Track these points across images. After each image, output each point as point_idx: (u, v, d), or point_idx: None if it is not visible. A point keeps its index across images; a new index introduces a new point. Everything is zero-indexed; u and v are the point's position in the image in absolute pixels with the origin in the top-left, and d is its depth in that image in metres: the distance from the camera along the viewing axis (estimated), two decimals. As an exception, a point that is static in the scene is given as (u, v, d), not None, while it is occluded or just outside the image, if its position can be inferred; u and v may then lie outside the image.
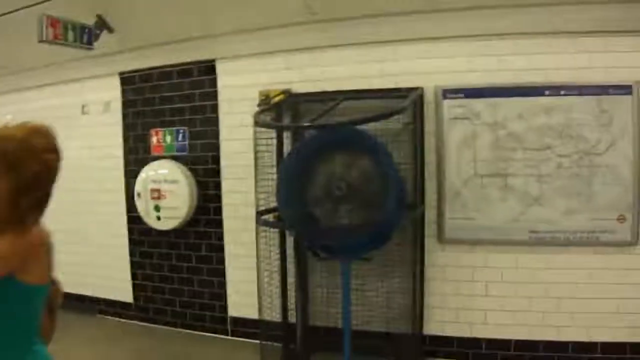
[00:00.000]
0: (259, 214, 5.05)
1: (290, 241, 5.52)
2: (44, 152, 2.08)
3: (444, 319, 5.27)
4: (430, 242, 5.25)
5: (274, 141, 5.27)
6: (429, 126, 5.17)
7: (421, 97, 5.12)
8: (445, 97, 5.11)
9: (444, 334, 5.29)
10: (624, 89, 4.74)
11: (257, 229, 5.16)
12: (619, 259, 4.86)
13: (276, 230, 5.35)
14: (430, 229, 5.24)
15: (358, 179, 4.29)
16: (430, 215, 5.22)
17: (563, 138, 4.85)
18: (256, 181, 5.17)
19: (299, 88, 5.61)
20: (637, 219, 4.80)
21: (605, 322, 4.89)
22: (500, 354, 5.13)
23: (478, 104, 5.02)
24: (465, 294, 5.19)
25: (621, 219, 4.80)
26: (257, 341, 5.51)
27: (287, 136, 5.43)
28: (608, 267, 4.88)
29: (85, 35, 5.96)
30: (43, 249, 2.09)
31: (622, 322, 4.85)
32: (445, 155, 5.14)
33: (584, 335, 4.94)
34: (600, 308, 4.88)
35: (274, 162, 5.21)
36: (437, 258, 5.25)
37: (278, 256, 5.52)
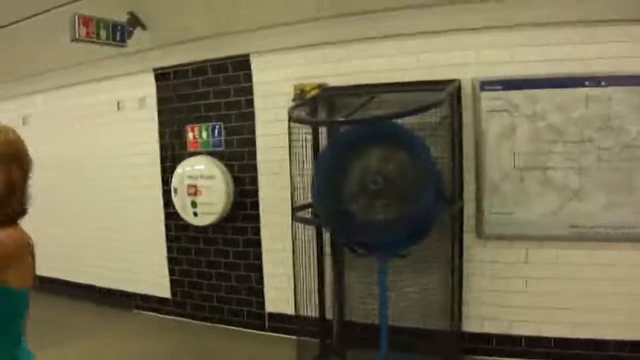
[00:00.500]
0: (295, 210, 5.06)
1: (326, 237, 5.53)
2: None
3: (483, 315, 5.23)
4: (468, 237, 5.21)
5: (310, 136, 5.27)
6: (467, 119, 5.12)
7: (458, 90, 5.06)
8: (483, 89, 5.05)
9: (483, 331, 5.25)
10: (667, 79, 4.63)
11: (293, 224, 5.16)
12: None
13: (312, 225, 5.35)
14: (468, 223, 5.20)
15: (395, 173, 4.30)
16: (468, 209, 5.18)
17: (603, 130, 4.76)
18: (292, 177, 5.17)
19: (334, 82, 5.57)
20: (680, 213, 4.70)
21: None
22: (540, 351, 5.07)
23: (516, 95, 4.96)
24: (504, 290, 5.13)
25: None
26: (294, 337, 5.54)
27: (322, 131, 5.42)
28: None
29: (118, 33, 6.07)
30: (27, 251, 2.12)
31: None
32: (483, 148, 5.09)
33: (625, 333, 4.86)
34: (641, 305, 4.81)
35: (310, 157, 5.20)
36: (476, 254, 5.21)
37: (314, 252, 5.51)
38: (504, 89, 5.00)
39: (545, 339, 5.06)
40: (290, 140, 5.13)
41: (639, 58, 4.71)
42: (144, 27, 6.24)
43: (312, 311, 5.47)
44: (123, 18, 6.13)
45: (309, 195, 4.93)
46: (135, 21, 6.19)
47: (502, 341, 5.20)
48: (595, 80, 4.76)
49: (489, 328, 5.23)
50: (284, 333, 6.05)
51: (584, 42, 4.81)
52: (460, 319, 5.24)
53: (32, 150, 2.19)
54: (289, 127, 5.10)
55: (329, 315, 5.66)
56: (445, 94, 4.65)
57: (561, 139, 4.86)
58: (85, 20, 5.71)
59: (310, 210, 5.11)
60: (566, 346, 5.00)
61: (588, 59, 4.79)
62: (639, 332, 4.83)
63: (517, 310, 5.12)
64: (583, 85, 4.79)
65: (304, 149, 5.20)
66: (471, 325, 5.28)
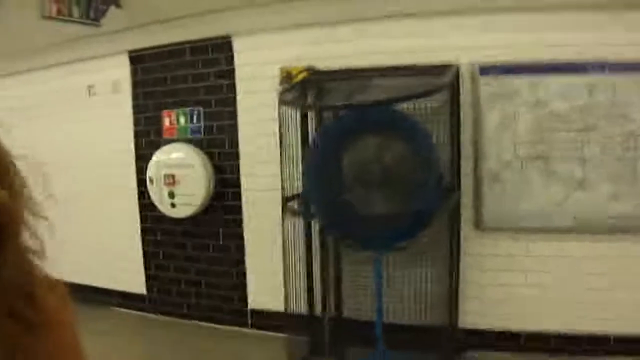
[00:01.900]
0: (286, 200, 4.99)
1: (315, 229, 5.45)
2: None
3: (481, 310, 5.22)
4: (466, 229, 5.18)
5: (297, 122, 5.21)
6: (465, 105, 5.08)
7: (456, 74, 5.01)
8: (482, 74, 5.01)
9: (481, 327, 5.23)
10: (674, 66, 4.63)
11: (283, 216, 5.09)
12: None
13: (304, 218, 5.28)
14: (467, 214, 5.17)
15: (393, 163, 4.25)
16: (466, 200, 5.15)
17: (608, 118, 4.75)
18: (282, 165, 5.10)
19: (324, 65, 5.49)
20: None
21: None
22: (541, 347, 5.07)
23: (517, 81, 4.93)
24: (503, 284, 5.13)
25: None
26: (280, 334, 5.50)
27: (311, 117, 5.33)
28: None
29: (92, 11, 5.86)
30: None
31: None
32: (482, 136, 5.06)
33: (629, 328, 4.85)
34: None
35: (299, 145, 5.16)
36: (474, 246, 5.19)
37: (301, 245, 5.45)
38: (504, 74, 4.96)
39: (546, 334, 5.06)
40: (280, 127, 5.05)
41: (644, 45, 4.71)
42: (118, 5, 6.02)
43: (300, 307, 5.42)
44: (97, -5, 5.94)
45: (296, 185, 4.91)
46: (110, -1, 6.01)
47: (501, 336, 5.19)
48: (599, 67, 4.74)
49: (488, 323, 5.21)
50: (268, 330, 5.97)
51: (587, 27, 4.80)
52: (457, 314, 5.22)
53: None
54: (279, 113, 5.03)
55: (317, 311, 5.59)
56: (449, 78, 4.62)
57: (564, 127, 4.83)
58: (57, -4, 5.55)
59: (297, 202, 5.06)
60: (568, 341, 5.00)
61: (591, 44, 4.78)
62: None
63: (516, 304, 5.12)
64: (587, 72, 4.77)
65: (293, 137, 5.14)
66: (469, 320, 5.25)
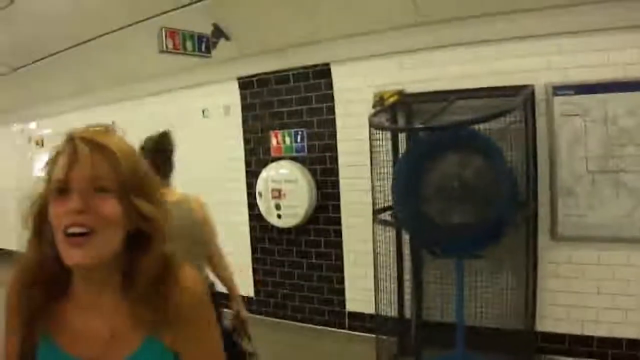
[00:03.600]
0: (376, 212, 5.49)
1: (406, 238, 5.95)
2: None
3: (556, 316, 5.51)
4: (542, 239, 5.51)
5: (389, 141, 5.71)
6: (540, 123, 5.44)
7: (532, 94, 5.38)
8: (555, 94, 5.39)
9: (556, 331, 5.54)
10: None
11: (373, 227, 5.60)
12: None
13: (392, 228, 5.77)
14: (543, 226, 5.50)
15: (471, 178, 4.67)
16: (543, 212, 5.48)
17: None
18: (372, 180, 5.59)
19: (412, 89, 6.03)
20: None
21: None
22: (612, 352, 5.31)
23: (588, 100, 5.27)
24: (576, 291, 5.40)
25: None
26: (374, 335, 5.89)
27: (401, 136, 5.83)
28: None
29: (203, 44, 6.65)
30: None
31: None
32: (556, 152, 5.41)
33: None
34: None
35: (390, 162, 5.63)
36: (549, 255, 5.51)
37: (394, 253, 5.94)
38: (576, 94, 5.33)
39: (617, 340, 5.29)
40: (371, 146, 5.59)
41: None
42: (227, 37, 6.78)
43: (391, 311, 5.87)
44: (207, 30, 6.68)
45: (389, 198, 5.34)
46: (219, 32, 6.74)
47: (575, 341, 5.46)
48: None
49: (562, 328, 5.51)
50: (364, 332, 6.50)
51: None
52: (534, 319, 5.54)
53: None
54: (370, 133, 5.56)
55: (407, 314, 6.10)
56: (520, 100, 4.99)
57: (632, 142, 5.15)
58: (171, 33, 6.31)
59: (389, 213, 5.49)
60: (638, 347, 5.23)
61: None
62: None
63: (589, 311, 5.38)
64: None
65: (384, 154, 5.62)
66: (545, 325, 5.57)
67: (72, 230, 1.44)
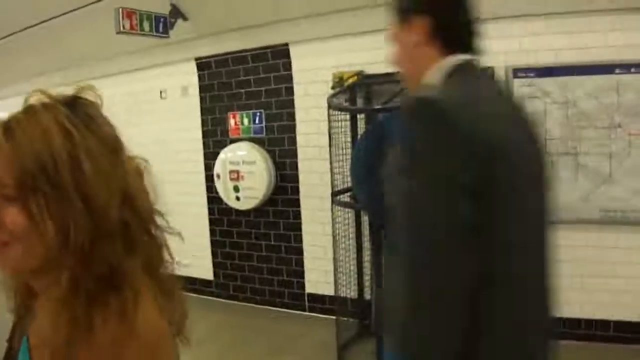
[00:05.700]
0: (334, 194, 5.41)
1: (365, 220, 5.85)
2: None
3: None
4: None
5: (348, 122, 5.62)
6: None
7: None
8: (515, 77, 5.36)
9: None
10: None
11: (332, 208, 5.53)
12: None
13: (352, 209, 5.70)
14: None
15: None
16: None
17: (633, 116, 5.03)
18: (331, 162, 5.52)
19: (372, 69, 5.91)
20: None
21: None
22: (571, 333, 5.24)
23: (548, 82, 5.25)
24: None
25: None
26: (334, 317, 5.77)
27: (360, 117, 5.73)
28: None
29: (161, 25, 6.46)
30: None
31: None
32: None
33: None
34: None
35: (349, 143, 5.54)
36: None
37: (354, 234, 5.91)
38: (536, 76, 5.30)
39: (576, 320, 5.30)
40: (330, 127, 5.50)
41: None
42: (185, 18, 6.61)
43: (351, 293, 5.85)
44: (165, 10, 6.49)
45: (348, 180, 5.23)
46: (176, 13, 6.54)
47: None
48: (626, 68, 5.03)
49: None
50: (323, 314, 6.45)
51: (613, 29, 5.04)
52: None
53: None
54: (329, 115, 5.47)
55: (367, 296, 6.04)
56: None
57: (592, 124, 5.14)
58: (129, 14, 6.11)
59: (349, 194, 5.41)
60: (597, 327, 5.30)
61: (618, 46, 5.03)
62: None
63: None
64: (614, 73, 5.06)
65: (343, 136, 5.56)
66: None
67: None
